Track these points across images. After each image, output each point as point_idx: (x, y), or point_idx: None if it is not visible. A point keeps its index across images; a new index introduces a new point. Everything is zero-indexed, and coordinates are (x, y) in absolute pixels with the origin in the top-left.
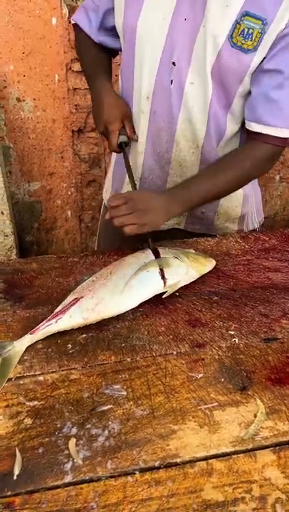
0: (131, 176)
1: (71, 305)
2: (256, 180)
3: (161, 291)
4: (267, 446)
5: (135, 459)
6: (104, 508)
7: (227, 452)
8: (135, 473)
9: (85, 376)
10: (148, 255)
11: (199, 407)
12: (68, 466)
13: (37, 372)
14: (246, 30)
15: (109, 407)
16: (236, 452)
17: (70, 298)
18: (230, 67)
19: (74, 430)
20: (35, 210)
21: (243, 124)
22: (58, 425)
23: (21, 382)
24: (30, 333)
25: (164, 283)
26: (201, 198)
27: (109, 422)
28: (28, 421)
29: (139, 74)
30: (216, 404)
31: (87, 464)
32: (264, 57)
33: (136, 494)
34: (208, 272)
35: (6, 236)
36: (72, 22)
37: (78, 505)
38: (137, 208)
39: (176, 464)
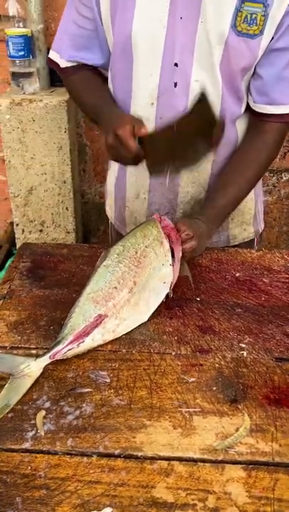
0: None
1: (95, 326)
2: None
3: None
4: (239, 462)
5: (96, 443)
6: (50, 479)
7: (193, 458)
8: (92, 456)
9: (75, 357)
10: (166, 249)
11: (180, 409)
12: (30, 434)
13: (31, 346)
14: (249, 16)
15: (88, 390)
16: (203, 460)
17: (90, 306)
18: (239, 56)
19: (47, 404)
20: (104, 213)
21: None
22: (34, 397)
23: (14, 352)
24: (50, 357)
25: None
26: (229, 210)
27: (84, 404)
28: None
29: (139, 81)
30: (199, 410)
31: (48, 436)
32: (272, 38)
33: (86, 475)
34: (241, 285)
35: (68, 233)
36: (64, 62)
37: (28, 471)
38: (199, 238)
39: (136, 457)
